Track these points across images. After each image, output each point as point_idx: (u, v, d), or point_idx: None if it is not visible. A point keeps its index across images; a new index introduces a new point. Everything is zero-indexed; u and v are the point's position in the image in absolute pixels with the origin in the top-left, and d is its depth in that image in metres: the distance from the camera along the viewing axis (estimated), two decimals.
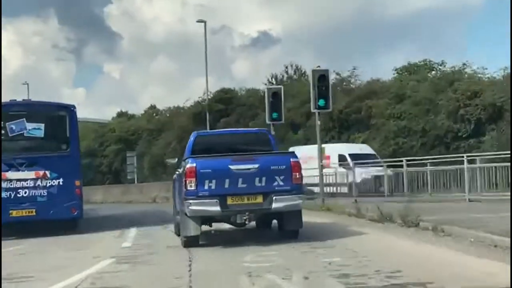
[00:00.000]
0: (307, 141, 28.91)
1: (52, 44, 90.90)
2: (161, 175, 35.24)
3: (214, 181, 9.55)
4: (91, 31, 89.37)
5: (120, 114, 51.42)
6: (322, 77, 17.31)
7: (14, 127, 13.79)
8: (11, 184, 13.45)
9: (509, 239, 7.58)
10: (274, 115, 18.54)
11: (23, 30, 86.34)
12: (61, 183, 13.89)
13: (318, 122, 18.28)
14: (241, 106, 35.37)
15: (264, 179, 9.65)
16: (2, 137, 13.79)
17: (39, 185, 13.75)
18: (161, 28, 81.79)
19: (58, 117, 14.61)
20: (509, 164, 15.31)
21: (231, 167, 9.61)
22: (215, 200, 9.55)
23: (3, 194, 13.36)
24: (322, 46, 71.25)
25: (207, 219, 10.28)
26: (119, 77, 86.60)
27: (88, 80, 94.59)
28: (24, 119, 13.98)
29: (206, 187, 9.53)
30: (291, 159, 10.01)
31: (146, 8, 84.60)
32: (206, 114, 34.06)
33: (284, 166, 9.84)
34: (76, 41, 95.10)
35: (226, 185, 9.59)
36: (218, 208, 9.55)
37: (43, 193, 13.74)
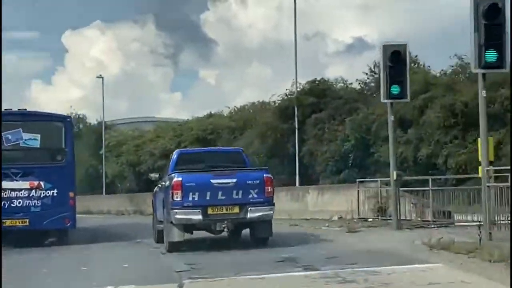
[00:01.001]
0: (420, 142, 26.60)
1: (150, 50, 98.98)
2: None
3: (197, 193, 12.13)
4: (187, 37, 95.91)
5: (209, 116, 54.18)
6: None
7: (10, 137, 15.31)
8: (5, 194, 14.92)
9: None
10: (394, 89, 14.49)
11: (122, 35, 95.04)
12: (55, 194, 15.29)
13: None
14: (337, 99, 33.31)
15: (240, 192, 12.27)
16: None
17: (33, 195, 15.16)
18: (256, 34, 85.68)
19: (54, 128, 15.98)
20: None
21: (212, 181, 12.25)
22: (198, 210, 12.12)
23: None
24: (419, 52, 70.75)
25: (189, 226, 12.69)
26: (215, 83, 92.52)
27: (185, 85, 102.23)
28: (21, 129, 15.41)
29: (190, 198, 12.11)
30: (264, 175, 12.73)
31: (242, 15, 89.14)
32: (294, 108, 32.89)
33: (258, 181, 12.51)
34: (173, 46, 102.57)
35: (208, 197, 12.17)
36: (200, 217, 12.13)
37: (37, 203, 15.18)
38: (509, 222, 11.83)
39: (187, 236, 13.09)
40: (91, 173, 50.71)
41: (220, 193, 12.25)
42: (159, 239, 14.15)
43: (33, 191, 15.22)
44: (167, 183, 13.11)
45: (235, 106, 47.33)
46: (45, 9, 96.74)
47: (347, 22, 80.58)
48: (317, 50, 75.25)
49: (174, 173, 12.84)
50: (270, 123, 34.85)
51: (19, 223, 15.07)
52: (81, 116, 57.30)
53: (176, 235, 12.42)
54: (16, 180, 15.14)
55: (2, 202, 14.98)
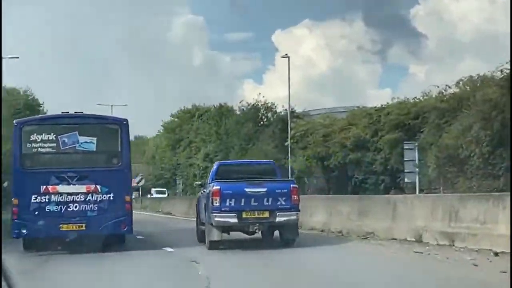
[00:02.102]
0: None
1: (357, 46, 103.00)
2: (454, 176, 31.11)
3: (233, 199, 15.84)
4: (396, 33, 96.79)
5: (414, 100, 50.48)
6: None
7: (66, 140, 16.79)
8: (61, 198, 16.49)
9: None
10: None
11: (330, 33, 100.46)
12: (111, 198, 16.64)
13: None
14: None
15: (270, 199, 15.97)
16: (54, 150, 16.85)
17: (89, 199, 16.60)
18: (468, 27, 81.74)
19: (110, 130, 17.26)
20: None
21: (246, 189, 15.94)
22: (234, 214, 15.87)
23: (54, 208, 16.46)
24: None
25: (226, 228, 16.40)
26: (425, 78, 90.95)
27: (394, 81, 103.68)
28: (77, 132, 16.90)
29: (227, 204, 15.84)
30: (291, 185, 16.44)
31: (454, 8, 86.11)
32: None
33: (285, 190, 16.14)
34: (381, 42, 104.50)
35: (242, 203, 15.90)
36: (236, 220, 15.91)
37: (94, 207, 16.60)
38: None
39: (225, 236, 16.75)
40: None
41: (252, 199, 15.94)
42: (201, 238, 17.94)
43: (90, 195, 16.66)
44: (208, 190, 16.83)
45: (446, 85, 45.02)
46: (257, 10, 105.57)
47: None
48: None
49: (214, 182, 16.60)
50: (494, 100, 30.07)
51: (75, 227, 16.59)
52: (269, 104, 60.64)
53: (216, 235, 16.17)
54: (73, 184, 16.64)
55: (59, 207, 16.58)
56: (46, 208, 16.68)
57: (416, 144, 35.83)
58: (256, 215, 16.11)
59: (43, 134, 16.97)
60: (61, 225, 16.74)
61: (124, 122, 17.65)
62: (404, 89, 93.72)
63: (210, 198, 16.21)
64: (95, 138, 17.24)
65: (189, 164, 74.31)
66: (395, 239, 17.54)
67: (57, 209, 16.75)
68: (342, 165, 44.31)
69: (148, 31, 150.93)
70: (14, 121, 17.40)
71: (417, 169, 33.35)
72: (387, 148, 42.27)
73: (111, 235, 17.31)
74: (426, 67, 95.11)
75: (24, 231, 16.65)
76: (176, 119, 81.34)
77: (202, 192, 18.61)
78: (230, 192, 16.04)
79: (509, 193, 14.80)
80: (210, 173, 18.30)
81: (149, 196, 72.26)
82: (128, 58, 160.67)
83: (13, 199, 16.79)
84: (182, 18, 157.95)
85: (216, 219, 16.00)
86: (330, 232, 20.55)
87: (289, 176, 47.04)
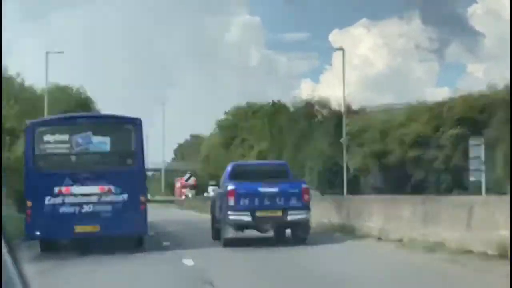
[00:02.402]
0: None
1: (415, 45, 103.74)
2: None
3: (247, 199, 17.03)
4: (453, 31, 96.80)
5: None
6: None
7: (80, 140, 16.99)
8: (75, 199, 16.67)
9: None
10: None
11: (388, 32, 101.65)
12: (126, 199, 16.77)
13: None
14: None
15: (283, 199, 17.11)
16: (67, 150, 17.13)
17: (103, 200, 16.77)
18: None
19: (123, 130, 17.43)
20: None
21: (260, 189, 17.13)
22: (248, 212, 17.05)
23: (67, 209, 16.70)
24: None
25: (241, 226, 17.50)
26: (483, 77, 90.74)
27: (451, 80, 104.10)
28: (90, 132, 17.09)
29: (241, 203, 17.00)
30: (302, 185, 17.79)
31: None
32: None
33: (297, 190, 17.40)
34: (438, 41, 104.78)
35: (256, 202, 17.05)
36: (249, 218, 17.12)
37: (108, 208, 16.73)
38: None
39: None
40: (329, 167, 49.93)
41: (266, 199, 17.16)
42: (215, 236, 19.08)
43: (104, 196, 16.83)
44: (223, 190, 18.03)
45: None
46: (314, 10, 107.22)
47: None
48: None
49: (229, 182, 17.71)
50: None
51: (89, 229, 16.74)
52: (323, 100, 60.06)
53: (230, 233, 17.44)
54: (87, 185, 16.83)
55: (73, 208, 16.76)
56: (60, 210, 16.84)
57: (482, 140, 33.58)
58: (269, 214, 17.33)
59: (56, 134, 17.17)
60: (75, 227, 16.89)
61: (138, 122, 17.70)
62: (462, 88, 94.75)
63: (225, 198, 17.41)
64: (108, 138, 17.37)
65: None
66: (470, 251, 14.31)
67: (71, 210, 16.91)
68: (400, 163, 43.70)
69: (206, 31, 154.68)
70: (27, 122, 17.87)
71: (483, 167, 31.03)
72: (450, 144, 41.39)
73: (127, 236, 17.57)
74: (484, 66, 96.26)
75: (38, 233, 16.84)
76: (230, 117, 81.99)
77: (218, 192, 20.01)
78: (245, 191, 17.24)
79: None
80: (225, 174, 19.60)
81: (205, 194, 72.82)
82: (186, 58, 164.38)
83: (26, 201, 17.05)
84: (239, 18, 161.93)
85: (231, 217, 17.22)
86: (388, 241, 17.82)
87: (345, 174, 46.59)
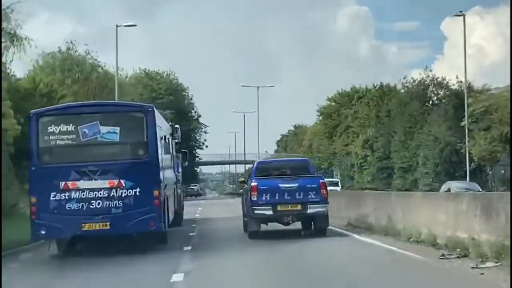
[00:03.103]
0: None
1: None
2: None
3: (268, 194, 19.50)
4: None
5: None
6: None
7: (87, 131, 16.65)
8: (83, 195, 16.36)
9: None
10: None
11: (502, 20, 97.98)
12: (137, 193, 16.46)
13: None
14: None
15: (302, 193, 19.55)
16: (73, 142, 16.78)
17: (113, 195, 16.44)
18: None
19: (134, 119, 16.98)
20: None
21: (280, 185, 19.64)
22: (269, 206, 19.51)
23: (75, 205, 16.48)
24: None
25: (264, 219, 19.82)
26: None
27: None
28: (98, 122, 16.68)
29: (263, 198, 19.51)
30: (320, 181, 20.11)
31: None
32: None
33: (315, 185, 19.77)
34: None
35: (277, 197, 19.50)
36: (271, 212, 19.57)
37: (118, 204, 16.41)
38: None
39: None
40: (448, 154, 48.11)
41: (286, 194, 19.57)
42: (246, 229, 21.35)
43: (113, 190, 16.50)
44: (248, 186, 20.48)
45: None
46: None
47: None
48: None
49: (252, 178, 20.29)
50: None
51: (98, 226, 16.48)
52: (440, 79, 58.07)
53: (254, 226, 19.96)
54: (95, 179, 16.52)
55: (80, 204, 16.53)
56: (67, 206, 16.48)
57: None
58: (290, 208, 19.68)
59: (62, 125, 16.73)
60: (83, 224, 16.54)
61: (150, 109, 17.00)
62: None
63: (249, 193, 19.84)
64: (118, 128, 16.82)
65: (346, 153, 73.67)
66: None
67: (78, 207, 16.56)
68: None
69: (313, 24, 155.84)
70: (31, 112, 18.02)
71: None
72: None
73: (138, 233, 17.15)
74: None
75: (43, 232, 16.49)
76: (333, 103, 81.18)
77: (245, 187, 21.96)
78: (266, 187, 19.63)
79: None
80: (251, 170, 22.06)
81: None
82: (292, 51, 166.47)
83: (30, 197, 16.74)
84: (347, 9, 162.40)
85: (254, 211, 19.61)
86: None
87: (467, 164, 44.31)
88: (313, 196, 19.66)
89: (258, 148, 73.23)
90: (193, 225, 26.66)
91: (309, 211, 19.62)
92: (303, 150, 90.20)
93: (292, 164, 22.74)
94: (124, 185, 16.75)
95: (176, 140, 26.27)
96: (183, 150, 32.82)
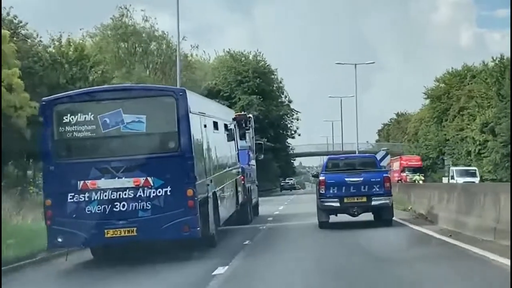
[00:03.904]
0: None
1: None
2: None
3: (336, 187, 22.59)
4: None
5: None
6: None
7: (108, 120, 15.46)
8: (105, 196, 15.22)
9: None
10: None
11: None
12: (168, 193, 15.33)
13: None
14: None
15: (366, 187, 22.59)
16: (93, 133, 15.87)
17: (140, 196, 15.36)
18: None
19: (163, 105, 15.79)
20: None
21: (346, 179, 22.73)
22: (337, 199, 22.52)
23: (95, 208, 15.48)
24: None
25: (332, 211, 22.75)
26: None
27: None
28: (121, 109, 15.43)
29: (331, 191, 22.62)
30: (384, 175, 23.17)
31: None
32: None
33: (379, 179, 22.77)
34: None
35: (343, 190, 22.52)
36: (338, 204, 22.60)
37: (146, 206, 15.38)
38: None
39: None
40: None
41: (352, 187, 22.70)
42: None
43: (140, 190, 15.44)
44: (318, 180, 23.31)
45: None
46: None
47: None
48: None
49: (321, 173, 23.75)
50: None
51: (124, 233, 15.42)
52: None
53: (324, 217, 23.08)
54: (118, 177, 15.36)
55: (102, 207, 15.51)
56: (86, 210, 15.23)
57: None
58: (355, 200, 22.89)
59: (79, 114, 15.41)
60: (106, 231, 15.35)
61: (181, 93, 15.41)
62: None
63: (318, 187, 22.86)
64: (144, 116, 15.49)
65: (461, 139, 71.12)
66: None
67: (100, 210, 15.34)
68: None
69: (412, 14, 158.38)
70: (42, 100, 17.11)
71: None
72: None
73: (170, 240, 16.09)
74: None
75: (60, 239, 15.27)
76: (442, 84, 78.84)
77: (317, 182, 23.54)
78: (333, 181, 22.81)
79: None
80: (322, 165, 25.38)
81: (445, 181, 65.72)
82: (391, 41, 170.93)
83: (44, 199, 15.53)
84: None
85: (323, 203, 22.69)
86: None
87: None
88: (377, 189, 22.68)
89: (356, 137, 70.93)
90: (269, 218, 29.28)
91: (373, 203, 22.59)
92: (408, 138, 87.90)
93: (361, 160, 26.13)
94: (152, 183, 15.57)
95: (248, 130, 26.60)
96: (258, 141, 32.48)
